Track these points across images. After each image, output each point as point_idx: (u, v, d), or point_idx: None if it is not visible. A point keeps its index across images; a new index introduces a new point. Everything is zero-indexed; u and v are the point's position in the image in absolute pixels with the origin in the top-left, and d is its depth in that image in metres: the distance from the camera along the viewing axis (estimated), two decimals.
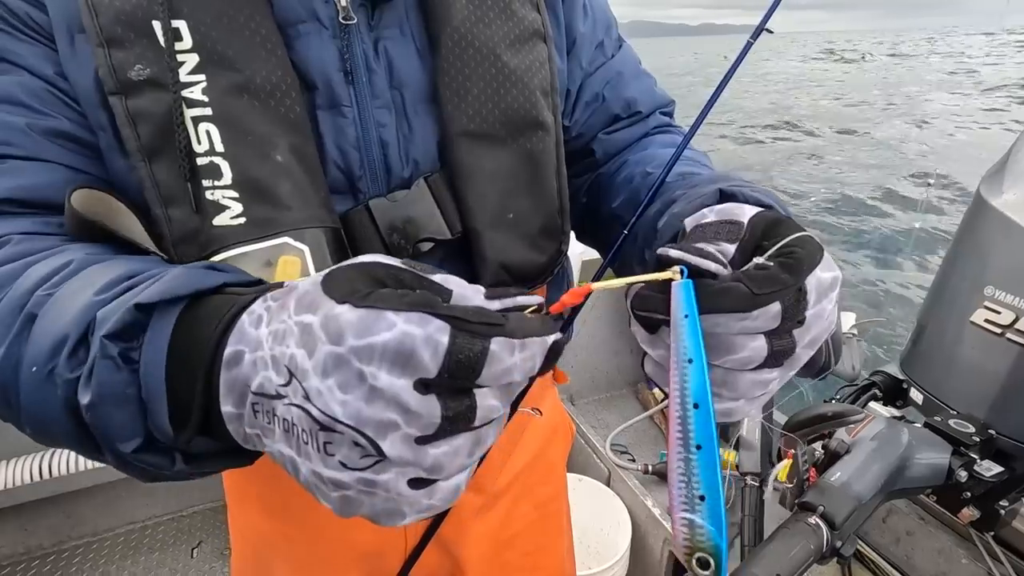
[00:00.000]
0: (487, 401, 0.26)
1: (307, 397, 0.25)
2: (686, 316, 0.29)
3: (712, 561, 0.27)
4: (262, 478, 0.58)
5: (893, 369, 1.10)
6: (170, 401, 0.29)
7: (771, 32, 0.40)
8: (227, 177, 0.42)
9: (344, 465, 0.25)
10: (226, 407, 0.28)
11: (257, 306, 0.28)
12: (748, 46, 0.40)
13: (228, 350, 0.28)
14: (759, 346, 0.30)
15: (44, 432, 0.33)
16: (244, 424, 0.28)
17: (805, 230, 0.33)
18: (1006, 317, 0.86)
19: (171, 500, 1.84)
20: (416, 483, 0.26)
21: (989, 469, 0.81)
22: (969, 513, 0.80)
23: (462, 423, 0.26)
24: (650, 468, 1.30)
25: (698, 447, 0.27)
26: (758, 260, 0.31)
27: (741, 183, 0.39)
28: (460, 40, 0.47)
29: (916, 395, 1.02)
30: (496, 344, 0.25)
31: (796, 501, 0.64)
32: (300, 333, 0.25)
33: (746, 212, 0.35)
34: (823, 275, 0.31)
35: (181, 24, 0.41)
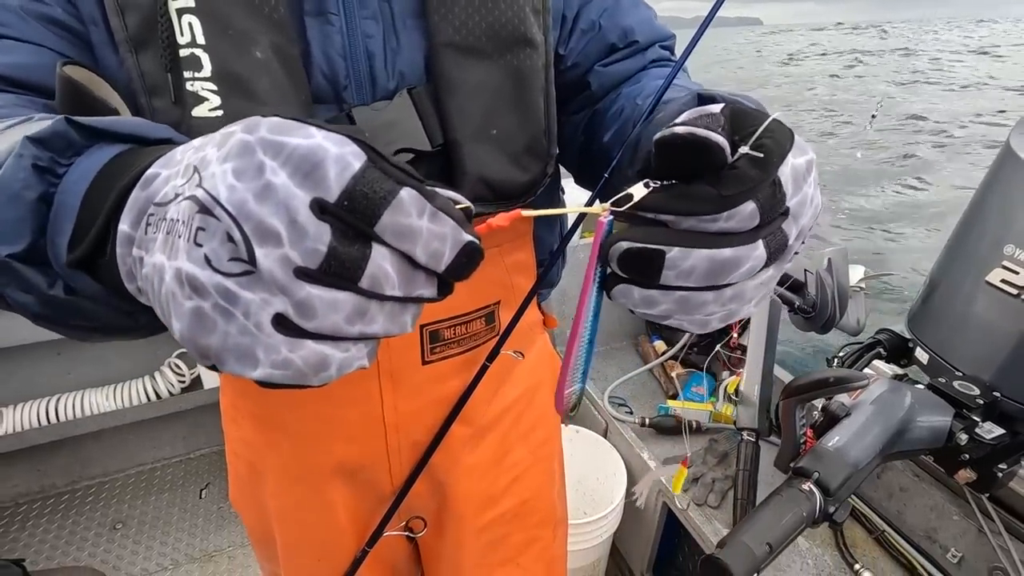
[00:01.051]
0: (380, 261, 0.23)
1: (200, 183, 0.23)
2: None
3: (576, 406, 0.37)
4: (252, 392, 0.60)
5: (900, 328, 1.08)
6: (79, 218, 0.28)
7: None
8: (207, 69, 0.42)
9: (208, 262, 0.23)
10: (123, 225, 0.26)
11: (196, 140, 0.27)
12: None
13: (149, 171, 0.26)
14: (759, 255, 0.28)
15: None
16: (132, 245, 0.26)
17: (772, 116, 0.30)
18: None
19: (178, 443, 1.89)
20: (281, 325, 0.23)
21: (990, 431, 0.80)
22: (967, 475, 0.80)
23: (348, 272, 0.23)
24: (647, 421, 1.30)
25: (590, 342, 0.35)
26: (743, 149, 0.29)
27: (721, 91, 0.37)
28: None
29: (921, 355, 0.99)
30: (407, 193, 0.23)
31: (791, 465, 0.63)
32: (221, 136, 0.24)
33: (719, 107, 0.32)
34: (796, 161, 0.29)
35: None
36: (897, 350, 1.06)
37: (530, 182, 0.54)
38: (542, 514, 0.74)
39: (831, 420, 0.73)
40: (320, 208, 0.22)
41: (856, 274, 1.97)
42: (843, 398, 0.79)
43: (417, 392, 0.58)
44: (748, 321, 1.26)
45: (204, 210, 0.22)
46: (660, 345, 1.55)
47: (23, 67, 0.41)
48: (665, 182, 0.29)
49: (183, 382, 1.73)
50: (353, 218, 0.22)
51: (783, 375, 1.31)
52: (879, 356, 1.05)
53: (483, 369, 0.54)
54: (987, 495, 0.89)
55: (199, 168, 0.23)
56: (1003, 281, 0.85)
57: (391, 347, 0.55)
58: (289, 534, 0.65)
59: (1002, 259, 0.85)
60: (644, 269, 0.28)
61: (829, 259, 1.81)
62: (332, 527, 0.63)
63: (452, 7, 0.47)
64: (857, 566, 0.98)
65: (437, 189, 0.25)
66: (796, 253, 0.31)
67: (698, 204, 0.28)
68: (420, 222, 0.23)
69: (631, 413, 1.35)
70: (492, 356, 0.54)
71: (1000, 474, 0.78)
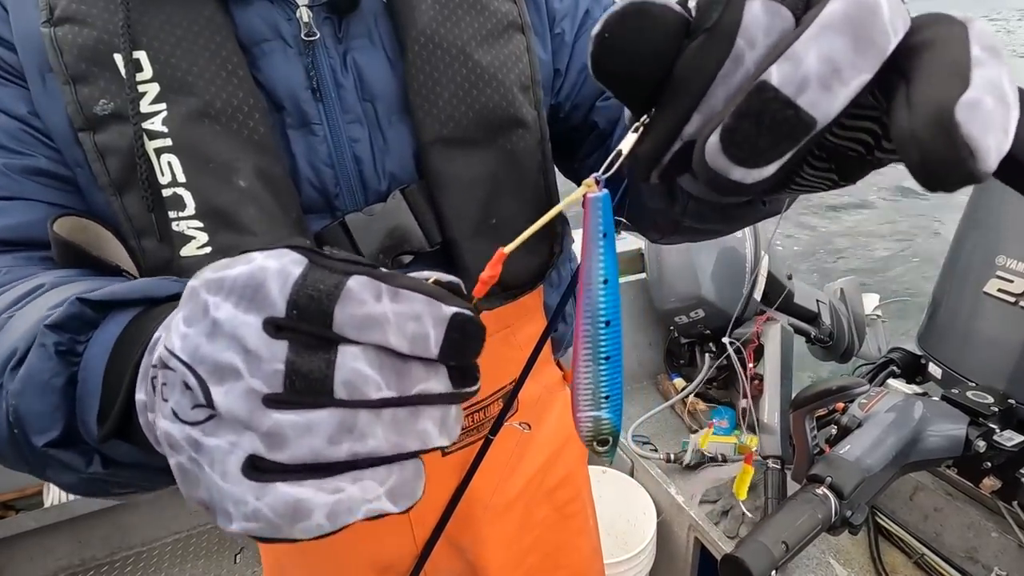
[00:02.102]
0: (351, 363, 0.21)
1: (163, 341, 0.22)
2: (604, 235, 0.27)
3: (611, 439, 0.31)
4: None
5: (911, 346, 1.10)
6: (103, 396, 0.27)
7: None
8: (190, 207, 0.41)
9: (176, 415, 0.22)
10: (139, 395, 0.25)
11: None
12: None
13: (154, 337, 0.25)
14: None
15: None
16: (148, 409, 0.25)
17: None
18: (1019, 285, 0.86)
19: None
20: (257, 468, 0.21)
21: (1010, 439, 0.81)
22: (991, 483, 0.80)
23: (316, 384, 0.20)
24: (672, 457, 1.30)
25: (606, 358, 0.28)
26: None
27: None
28: (427, 43, 0.45)
29: (935, 370, 1.01)
30: (355, 282, 0.21)
31: (806, 474, 0.65)
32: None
33: None
34: None
35: (141, 55, 0.40)
36: (910, 367, 1.08)
37: (539, 266, 0.53)
38: (572, 570, 0.72)
39: (844, 432, 0.76)
40: (275, 327, 0.20)
41: (871, 302, 1.99)
42: (856, 411, 0.82)
43: (440, 484, 0.58)
44: (763, 351, 1.29)
45: (163, 365, 0.22)
46: (680, 382, 1.57)
47: (15, 227, 0.40)
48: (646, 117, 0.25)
49: None
50: (306, 325, 0.20)
51: None
52: (893, 375, 1.07)
53: (487, 442, 0.54)
54: (1020, 505, 0.88)
55: (167, 326, 0.23)
56: (1000, 291, 0.88)
57: None
58: None
59: (996, 270, 0.89)
60: (766, 118, 0.20)
61: (841, 289, 1.84)
62: None
63: (436, 100, 0.46)
64: None
65: (412, 275, 0.23)
66: None
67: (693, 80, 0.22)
68: (380, 307, 0.21)
69: (656, 451, 1.35)
70: (495, 429, 0.54)
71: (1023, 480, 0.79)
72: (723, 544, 1.09)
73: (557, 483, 0.69)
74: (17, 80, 0.42)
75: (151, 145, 0.41)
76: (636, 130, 0.25)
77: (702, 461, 1.31)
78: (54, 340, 0.28)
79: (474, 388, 0.24)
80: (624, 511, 1.34)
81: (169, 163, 0.41)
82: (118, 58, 0.40)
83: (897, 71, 0.19)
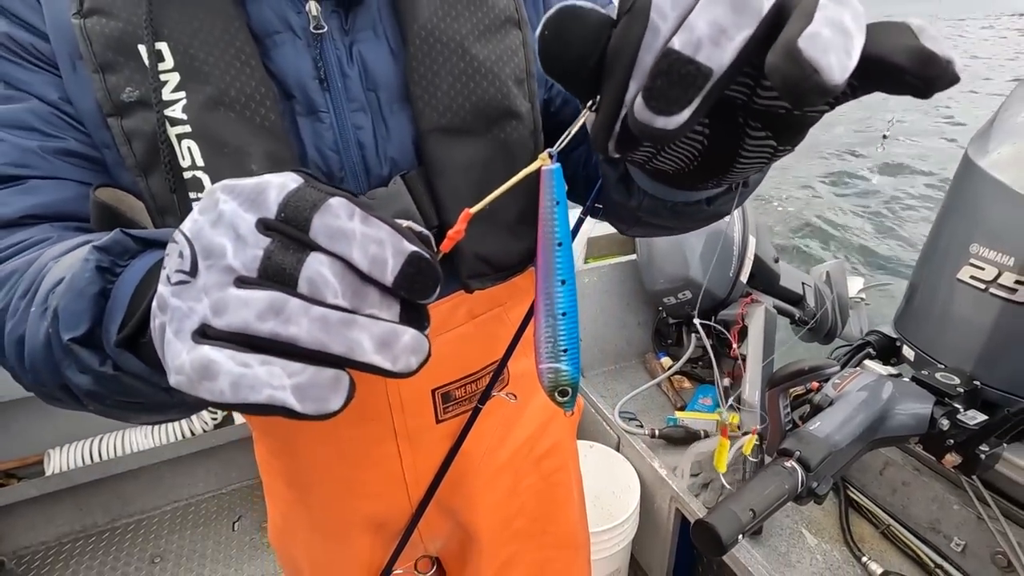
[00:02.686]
0: (317, 266, 0.24)
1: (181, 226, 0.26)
2: (557, 203, 0.31)
3: (570, 390, 0.33)
4: (281, 454, 0.64)
5: (887, 329, 1.14)
6: (127, 311, 0.31)
7: None
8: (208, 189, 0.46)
9: (167, 279, 0.25)
10: (154, 304, 0.27)
11: None
12: None
13: None
14: None
15: (34, 370, 0.35)
16: (156, 318, 0.27)
17: None
18: (989, 273, 0.89)
19: (211, 479, 1.97)
20: (199, 335, 0.24)
21: (974, 418, 0.85)
22: (952, 459, 0.85)
23: (284, 275, 0.24)
24: (656, 432, 1.36)
25: (563, 314, 0.32)
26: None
27: None
28: (428, 37, 0.48)
29: (908, 352, 1.06)
30: (335, 200, 0.24)
31: (776, 448, 0.69)
32: None
33: None
34: None
35: (163, 45, 0.43)
36: (886, 349, 1.12)
37: (527, 249, 0.54)
38: (558, 536, 0.76)
39: (816, 410, 0.80)
40: (264, 226, 0.24)
41: (855, 285, 2.04)
42: (829, 391, 0.86)
43: (434, 449, 0.61)
44: (747, 332, 1.33)
45: (172, 241, 0.26)
46: (666, 361, 1.62)
47: (51, 204, 0.44)
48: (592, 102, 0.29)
49: (215, 419, 1.82)
50: (288, 227, 0.24)
51: None
52: (869, 356, 1.11)
53: (475, 411, 0.58)
54: (980, 481, 0.93)
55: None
56: (972, 277, 0.92)
57: (406, 411, 0.58)
58: None
59: (969, 257, 0.92)
60: (676, 76, 0.25)
61: (827, 272, 1.88)
62: (361, 574, 0.67)
63: (435, 92, 0.48)
64: (865, 559, 1.02)
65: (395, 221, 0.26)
66: None
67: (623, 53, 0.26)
68: (351, 224, 0.24)
69: (641, 426, 1.40)
70: (483, 399, 0.58)
71: (983, 456, 0.84)
72: (702, 514, 1.15)
73: (544, 452, 0.72)
74: (49, 67, 0.45)
75: (173, 131, 0.43)
76: (588, 110, 0.29)
77: (686, 437, 1.36)
78: (96, 257, 0.32)
79: (422, 329, 0.26)
80: (610, 483, 1.40)
81: (189, 148, 0.44)
82: (142, 48, 0.43)
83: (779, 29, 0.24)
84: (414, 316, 0.27)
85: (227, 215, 0.25)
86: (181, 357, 0.24)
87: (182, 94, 0.43)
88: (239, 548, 1.75)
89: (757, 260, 1.50)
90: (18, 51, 0.45)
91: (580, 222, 0.49)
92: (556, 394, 0.34)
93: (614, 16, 0.27)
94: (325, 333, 0.24)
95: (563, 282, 0.31)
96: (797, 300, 1.69)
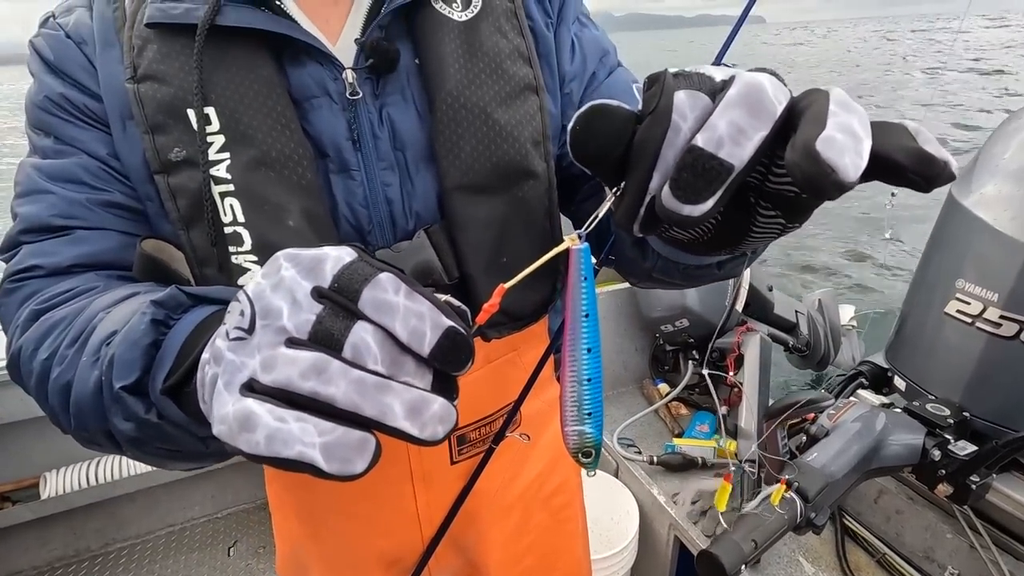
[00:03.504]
0: (362, 333, 0.26)
1: (245, 287, 0.29)
2: (585, 279, 0.34)
3: (594, 452, 0.36)
4: (296, 488, 0.65)
5: (879, 359, 1.17)
6: (175, 361, 0.33)
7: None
8: (247, 243, 0.47)
9: (226, 334, 0.27)
10: (205, 354, 0.30)
11: None
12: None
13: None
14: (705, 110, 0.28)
15: (79, 417, 0.37)
16: (203, 370, 0.29)
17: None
18: (975, 307, 0.93)
19: (207, 503, 1.95)
20: (247, 389, 0.26)
21: (964, 448, 0.88)
22: (944, 488, 0.88)
23: (331, 339, 0.26)
24: (655, 459, 1.37)
25: (588, 380, 0.34)
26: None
27: None
28: (453, 103, 0.51)
29: (899, 382, 1.09)
30: (384, 275, 0.27)
31: (774, 478, 0.72)
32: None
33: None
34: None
35: (211, 110, 0.47)
36: (878, 379, 1.15)
37: (541, 300, 0.58)
38: (566, 572, 0.77)
39: (812, 440, 0.83)
40: (319, 294, 0.27)
41: (847, 313, 2.08)
42: (824, 421, 0.89)
43: (447, 489, 0.63)
44: (743, 360, 1.36)
45: (236, 300, 0.28)
46: (664, 387, 1.64)
47: (97, 253, 0.48)
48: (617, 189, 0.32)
49: None
50: (340, 296, 0.27)
51: None
52: (862, 386, 1.15)
53: (489, 451, 0.60)
54: (972, 510, 0.96)
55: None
56: (959, 311, 0.96)
57: (422, 452, 0.59)
58: None
59: (956, 292, 0.96)
60: (700, 169, 0.28)
61: (819, 300, 1.93)
62: None
63: (459, 153, 0.52)
64: None
65: (437, 296, 0.28)
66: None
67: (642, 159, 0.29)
68: (396, 298, 0.26)
69: (640, 453, 1.42)
70: (498, 439, 0.60)
71: (974, 486, 0.86)
72: (700, 542, 1.16)
73: (553, 490, 0.74)
74: (100, 126, 0.49)
75: (216, 189, 0.47)
76: (613, 195, 0.33)
77: (684, 463, 1.38)
78: (152, 311, 0.35)
79: (452, 401, 0.28)
80: (609, 510, 1.41)
81: (231, 205, 0.47)
82: (191, 113, 0.46)
83: (792, 128, 0.28)
84: (445, 386, 0.29)
85: (287, 281, 0.27)
86: (226, 408, 0.26)
87: (226, 155, 0.47)
88: (234, 574, 1.74)
89: (752, 289, 1.54)
90: (71, 110, 0.49)
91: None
92: (580, 455, 0.35)
93: (638, 111, 0.30)
94: (360, 396, 0.25)
95: (589, 350, 0.33)
96: (791, 328, 1.73)
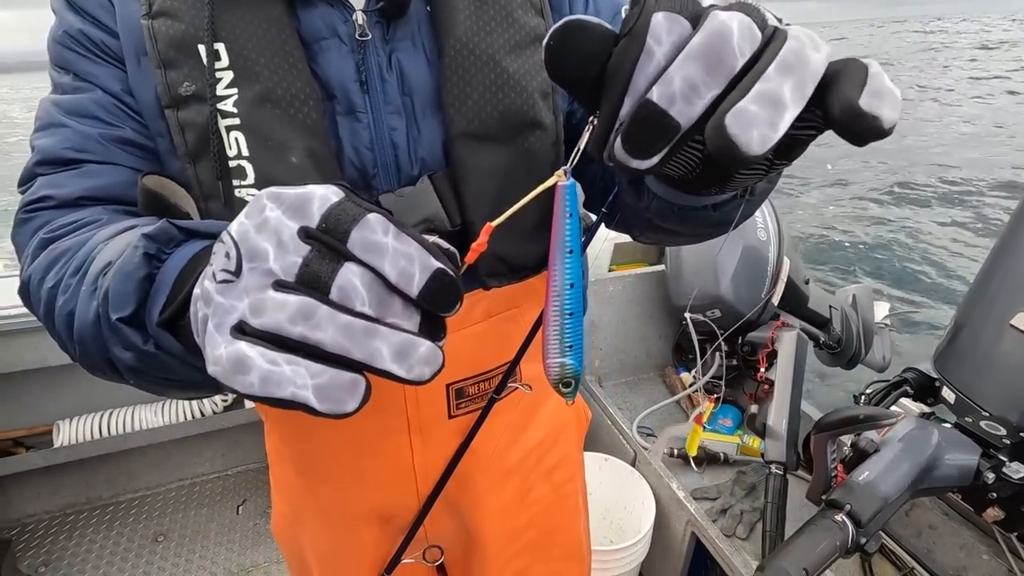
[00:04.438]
0: (349, 275, 0.26)
1: (228, 228, 0.29)
2: (570, 215, 0.34)
3: (573, 382, 0.37)
4: (293, 440, 0.65)
5: (926, 366, 1.11)
6: (169, 294, 0.34)
7: None
8: (251, 177, 0.48)
9: (213, 276, 0.28)
10: (196, 289, 0.30)
11: None
12: None
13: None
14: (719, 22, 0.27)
15: (83, 345, 0.38)
16: (197, 304, 0.30)
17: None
18: None
19: (217, 460, 1.96)
20: (237, 331, 0.26)
21: (1018, 471, 0.82)
22: (994, 513, 0.82)
23: (318, 281, 0.26)
24: (675, 451, 1.33)
25: (570, 314, 0.35)
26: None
27: None
28: (462, 49, 0.51)
29: (948, 394, 1.02)
30: (373, 216, 0.27)
31: (823, 498, 0.67)
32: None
33: None
34: None
35: (220, 46, 0.47)
36: (923, 388, 1.08)
37: (542, 253, 0.55)
38: (566, 548, 0.77)
39: (861, 456, 0.77)
40: (305, 234, 0.27)
41: (881, 311, 2.00)
42: (872, 434, 0.83)
43: (444, 444, 0.62)
44: (775, 355, 1.30)
45: (220, 241, 0.28)
46: (687, 377, 1.59)
47: (105, 187, 0.49)
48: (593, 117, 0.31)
49: (225, 401, 1.81)
50: (328, 236, 0.27)
51: (809, 410, 1.34)
52: (906, 394, 1.08)
53: (491, 401, 0.59)
54: (1019, 538, 0.91)
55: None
56: None
57: (420, 404, 0.59)
58: (326, 571, 0.70)
59: None
60: (650, 125, 0.28)
61: (854, 295, 1.84)
62: (367, 567, 0.68)
63: (466, 99, 0.52)
64: None
65: (424, 237, 0.28)
66: None
67: (620, 71, 0.28)
68: (385, 239, 0.27)
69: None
70: (499, 389, 0.59)
71: None
72: (719, 541, 1.13)
73: (555, 464, 0.73)
74: (116, 62, 0.50)
75: (223, 123, 0.47)
76: (590, 124, 0.32)
77: (704, 458, 1.33)
78: (145, 244, 0.35)
79: (439, 342, 0.28)
80: (623, 500, 1.38)
81: (236, 139, 0.48)
82: (201, 48, 0.47)
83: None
84: (433, 328, 0.29)
85: (272, 222, 0.27)
86: (219, 350, 0.26)
87: (234, 90, 0.47)
88: (243, 533, 1.75)
89: (789, 282, 1.46)
90: (89, 46, 0.50)
91: (595, 226, 0.52)
92: (560, 385, 0.37)
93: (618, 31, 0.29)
94: (348, 340, 0.26)
95: (571, 285, 0.34)
96: (823, 323, 1.66)
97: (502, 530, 0.69)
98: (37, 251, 0.45)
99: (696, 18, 0.28)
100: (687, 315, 1.49)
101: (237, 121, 0.47)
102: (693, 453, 1.30)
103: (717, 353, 1.50)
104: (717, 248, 1.44)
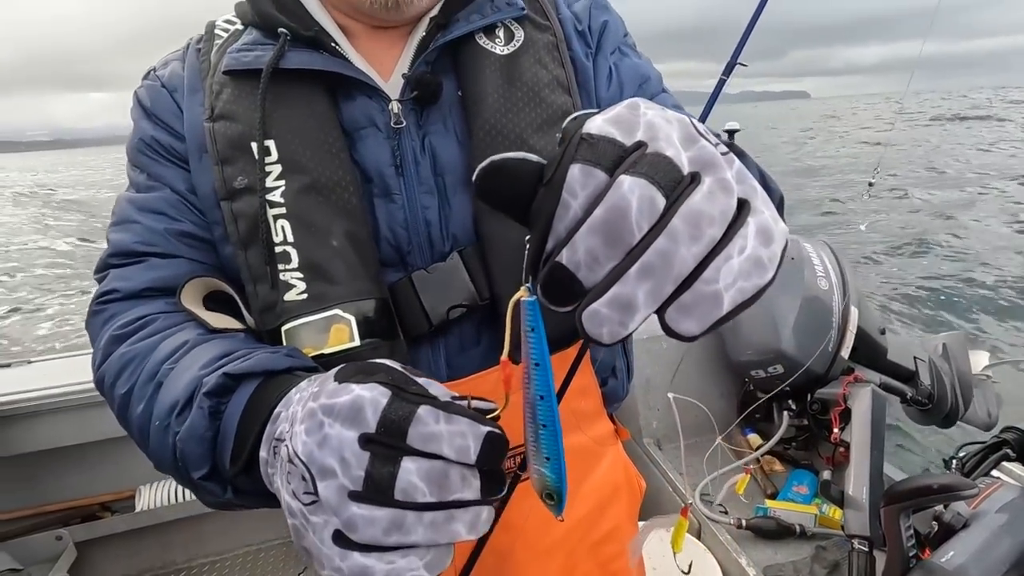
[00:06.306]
0: (407, 475, 0.30)
1: (291, 439, 0.34)
2: (531, 330, 0.34)
3: (555, 495, 0.37)
4: None
5: None
6: (234, 444, 0.40)
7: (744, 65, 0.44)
8: (295, 262, 0.52)
9: (295, 495, 0.32)
10: (262, 452, 0.37)
11: (303, 383, 0.39)
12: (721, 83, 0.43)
13: (274, 411, 0.38)
14: (629, 186, 0.27)
15: (160, 465, 0.46)
16: (268, 465, 0.37)
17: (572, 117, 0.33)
18: None
19: (282, 526, 1.99)
20: (339, 539, 0.31)
21: None
22: None
23: (382, 488, 0.30)
24: (744, 523, 1.22)
25: (544, 426, 0.35)
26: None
27: None
28: (491, 130, 0.55)
29: None
30: (423, 409, 0.31)
31: None
32: (307, 397, 0.35)
33: None
34: (603, 118, 0.29)
35: (271, 142, 0.52)
36: None
37: (570, 327, 0.55)
38: None
39: (946, 532, 0.67)
40: (366, 439, 0.31)
41: (980, 360, 1.79)
42: (960, 507, 0.73)
43: None
44: (849, 414, 1.18)
45: (289, 459, 0.33)
46: (755, 438, 1.48)
47: (166, 279, 0.54)
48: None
49: None
50: (388, 439, 0.31)
51: (896, 474, 1.20)
52: (1007, 457, 0.95)
53: (516, 478, 0.55)
54: None
55: (292, 424, 0.34)
56: None
57: None
58: None
59: None
60: (561, 286, 0.29)
61: (944, 344, 1.67)
62: None
63: None
64: None
65: (460, 401, 0.34)
66: (726, 153, 0.29)
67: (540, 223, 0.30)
68: (439, 427, 0.31)
69: (726, 513, 1.27)
70: (523, 466, 0.54)
71: None
72: None
73: (602, 536, 0.68)
74: (182, 163, 0.56)
75: (271, 212, 0.52)
76: (527, 244, 0.33)
77: (778, 530, 1.21)
78: (208, 404, 0.41)
79: (500, 493, 0.34)
80: (689, 574, 1.26)
81: (283, 227, 0.52)
82: (254, 146, 0.53)
83: None
84: (493, 482, 0.33)
85: (332, 440, 0.31)
86: (336, 563, 0.31)
87: (282, 182, 0.52)
88: None
89: (860, 332, 1.35)
90: (160, 151, 0.57)
91: (580, 355, 0.48)
92: (544, 496, 0.37)
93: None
94: (435, 533, 0.32)
95: (541, 397, 0.35)
96: (909, 376, 1.50)
97: None
98: (108, 347, 0.51)
99: (617, 163, 0.28)
100: (751, 372, 1.40)
101: (284, 210, 0.52)
102: (679, 551, 1.08)
103: (785, 412, 1.39)
104: (776, 296, 1.36)
